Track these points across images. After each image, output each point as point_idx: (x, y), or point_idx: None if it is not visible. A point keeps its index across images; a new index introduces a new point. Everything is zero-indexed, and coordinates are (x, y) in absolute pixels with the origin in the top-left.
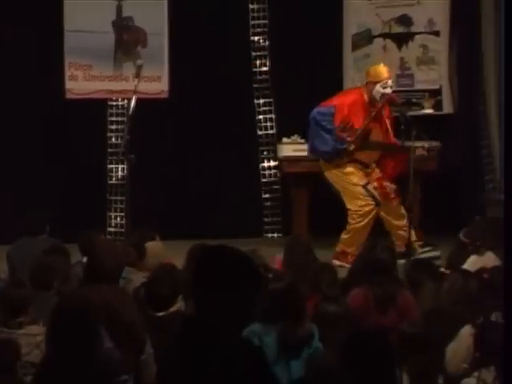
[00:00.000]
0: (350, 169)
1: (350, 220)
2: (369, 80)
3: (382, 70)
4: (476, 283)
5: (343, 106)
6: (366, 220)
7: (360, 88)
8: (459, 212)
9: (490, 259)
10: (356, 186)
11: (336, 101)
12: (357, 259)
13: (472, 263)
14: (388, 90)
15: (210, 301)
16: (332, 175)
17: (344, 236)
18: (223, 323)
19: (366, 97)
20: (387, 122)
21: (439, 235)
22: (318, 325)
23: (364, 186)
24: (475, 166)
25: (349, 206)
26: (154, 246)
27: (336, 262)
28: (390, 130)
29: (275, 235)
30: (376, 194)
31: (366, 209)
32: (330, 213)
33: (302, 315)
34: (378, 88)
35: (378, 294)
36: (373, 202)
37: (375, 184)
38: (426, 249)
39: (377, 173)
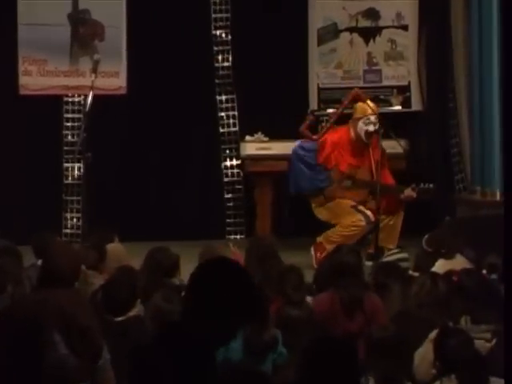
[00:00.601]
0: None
1: (342, 228)
2: (354, 116)
3: (366, 106)
4: (445, 286)
5: (327, 143)
6: (358, 232)
7: (347, 125)
8: (429, 212)
9: (459, 262)
10: (345, 206)
11: (321, 138)
12: (322, 262)
13: (440, 266)
14: (371, 128)
15: (202, 310)
16: (321, 212)
17: (330, 234)
18: (210, 334)
19: (352, 134)
20: (373, 160)
21: (409, 237)
22: (281, 329)
23: (353, 206)
24: (445, 164)
25: (342, 222)
26: (114, 248)
27: (311, 252)
28: (378, 169)
29: (238, 237)
30: (368, 212)
31: (360, 223)
32: (294, 213)
33: (267, 319)
34: (361, 125)
35: (344, 298)
36: (363, 219)
37: (367, 205)
38: (394, 251)
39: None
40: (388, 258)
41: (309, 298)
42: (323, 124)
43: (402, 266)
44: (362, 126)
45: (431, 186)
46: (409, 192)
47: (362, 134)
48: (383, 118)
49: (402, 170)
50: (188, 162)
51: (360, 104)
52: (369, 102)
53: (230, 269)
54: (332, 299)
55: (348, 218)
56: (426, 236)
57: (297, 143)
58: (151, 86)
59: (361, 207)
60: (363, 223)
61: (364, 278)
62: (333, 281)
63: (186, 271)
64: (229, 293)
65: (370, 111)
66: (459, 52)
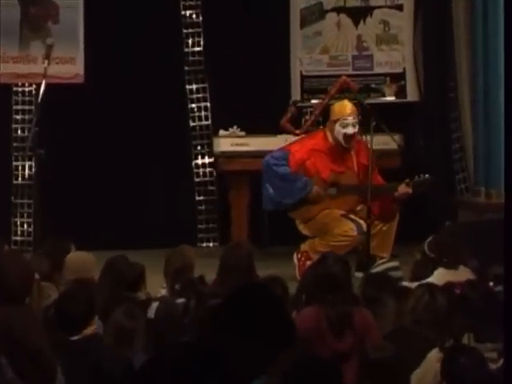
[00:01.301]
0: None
1: (331, 237)
2: (330, 119)
3: (342, 106)
4: (445, 299)
5: (301, 151)
6: (349, 243)
7: (322, 130)
8: (426, 217)
9: (461, 272)
10: (334, 215)
11: (293, 145)
12: (306, 273)
13: (440, 276)
14: (350, 130)
15: (230, 341)
16: (307, 228)
17: (317, 243)
18: (243, 366)
19: (330, 139)
20: (359, 164)
21: (404, 244)
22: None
23: (344, 215)
24: (445, 162)
25: (331, 231)
26: (74, 258)
27: (294, 261)
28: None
29: (211, 244)
30: (361, 221)
31: (351, 233)
32: (275, 218)
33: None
34: (338, 128)
35: (331, 314)
36: (355, 228)
37: (359, 213)
38: (383, 260)
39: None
40: (377, 268)
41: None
42: (307, 117)
43: (394, 277)
44: (339, 129)
45: (427, 176)
46: (403, 188)
47: (341, 138)
48: (375, 109)
49: (396, 169)
50: (154, 159)
51: (336, 104)
52: (346, 101)
53: (266, 296)
54: (317, 315)
55: (338, 227)
56: (429, 240)
57: (267, 157)
58: (112, 73)
59: (352, 215)
60: (355, 233)
61: (353, 291)
62: (318, 295)
63: (152, 283)
64: (265, 323)
65: (347, 111)
66: (461, 35)
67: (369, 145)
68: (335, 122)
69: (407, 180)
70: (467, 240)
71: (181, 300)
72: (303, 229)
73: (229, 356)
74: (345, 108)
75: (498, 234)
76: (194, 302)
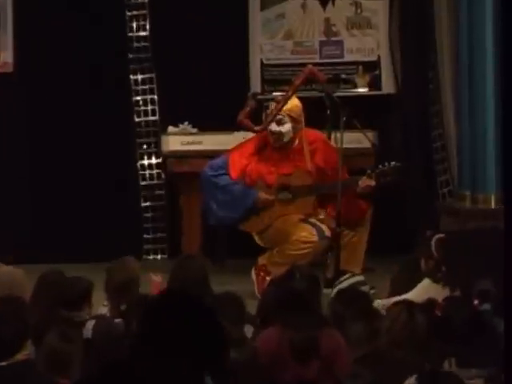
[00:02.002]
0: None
1: (289, 246)
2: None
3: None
4: (425, 320)
5: (241, 156)
6: (309, 250)
7: (264, 130)
8: (404, 225)
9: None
10: (291, 220)
11: (232, 151)
12: (268, 289)
13: (424, 289)
14: (273, 127)
15: (159, 353)
16: (264, 238)
17: (275, 254)
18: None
19: (271, 138)
20: (313, 164)
21: (379, 257)
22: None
23: (302, 220)
24: (424, 163)
25: (290, 238)
26: (1, 274)
27: (252, 277)
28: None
29: (158, 257)
30: (322, 226)
31: (311, 239)
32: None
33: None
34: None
35: (295, 337)
36: (315, 233)
37: (319, 217)
38: (346, 275)
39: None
40: (342, 284)
41: (250, 330)
42: (268, 111)
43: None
44: (270, 127)
45: (392, 163)
46: (365, 181)
47: (271, 137)
48: (345, 103)
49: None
50: (93, 160)
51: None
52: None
53: (192, 304)
54: (280, 338)
55: (296, 233)
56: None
57: (205, 168)
58: (45, 62)
59: (312, 219)
60: (315, 238)
61: (321, 310)
62: (281, 314)
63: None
64: (191, 334)
65: (273, 106)
66: (443, 18)
67: (333, 144)
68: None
69: (369, 171)
70: (449, 251)
71: (119, 320)
72: (259, 240)
73: (152, 375)
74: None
75: (486, 244)
76: (136, 323)
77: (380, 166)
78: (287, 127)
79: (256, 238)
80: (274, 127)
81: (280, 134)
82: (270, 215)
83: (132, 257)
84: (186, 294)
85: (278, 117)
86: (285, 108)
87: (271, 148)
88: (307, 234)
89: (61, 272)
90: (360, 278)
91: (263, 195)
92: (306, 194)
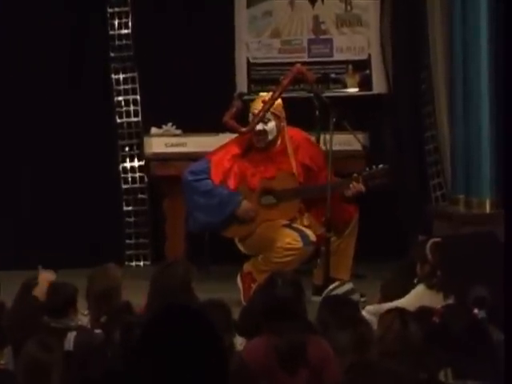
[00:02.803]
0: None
1: (273, 253)
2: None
3: (255, 100)
4: (419, 328)
5: (223, 159)
6: (294, 257)
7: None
8: (396, 230)
9: (439, 294)
10: (275, 226)
11: (214, 153)
12: (253, 297)
13: (418, 296)
14: (259, 126)
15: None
16: (247, 245)
17: (260, 261)
18: None
19: (254, 139)
20: (297, 164)
21: (368, 262)
22: None
23: (286, 225)
24: (417, 165)
25: (274, 246)
26: None
27: (238, 284)
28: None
29: (141, 263)
30: (307, 231)
31: (296, 245)
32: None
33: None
34: (252, 124)
35: (282, 345)
36: (300, 239)
37: (305, 222)
38: (335, 283)
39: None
40: (332, 292)
41: (239, 340)
42: (255, 111)
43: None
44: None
45: (380, 166)
46: (355, 186)
47: (254, 137)
48: (335, 103)
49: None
50: (74, 163)
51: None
52: (261, 93)
53: (196, 320)
54: (266, 347)
55: (280, 239)
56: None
57: (185, 172)
58: (24, 60)
59: (297, 225)
60: (300, 245)
61: (308, 317)
62: (266, 322)
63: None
64: (192, 351)
65: (255, 105)
66: (436, 16)
67: (322, 146)
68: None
69: (355, 174)
70: (443, 256)
71: (99, 331)
72: (243, 247)
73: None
74: (255, 102)
75: (480, 250)
76: (118, 333)
77: (367, 169)
78: (271, 125)
79: (239, 244)
80: (258, 126)
81: (265, 133)
82: (253, 221)
83: (114, 264)
84: (189, 309)
85: (263, 115)
86: (271, 105)
87: (254, 149)
88: (291, 240)
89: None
90: (350, 285)
91: (245, 205)
92: (291, 198)
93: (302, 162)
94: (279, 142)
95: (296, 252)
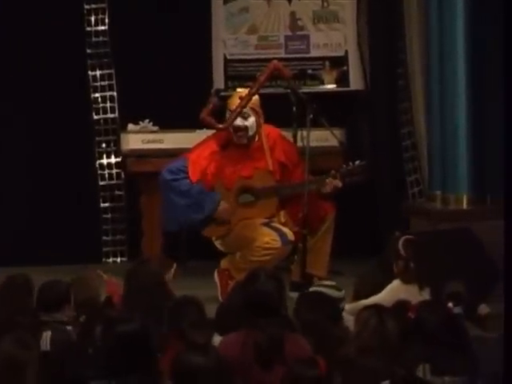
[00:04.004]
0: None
1: (251, 252)
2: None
3: (233, 95)
4: (396, 324)
5: (200, 156)
6: (272, 256)
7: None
8: (373, 227)
9: (415, 289)
10: (253, 225)
11: (192, 151)
12: (231, 292)
13: (394, 291)
14: (238, 121)
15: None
16: (225, 244)
17: (238, 260)
18: None
19: (233, 136)
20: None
21: (346, 258)
22: (177, 382)
23: (265, 224)
24: (394, 162)
25: (252, 245)
26: None
27: (215, 280)
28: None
29: (118, 260)
30: (285, 230)
31: (275, 245)
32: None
33: (158, 368)
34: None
35: (261, 341)
36: (278, 239)
37: (282, 219)
38: (323, 281)
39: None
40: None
41: (217, 339)
42: (232, 107)
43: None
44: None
45: (356, 163)
46: (332, 182)
47: (234, 134)
48: (312, 100)
49: (337, 169)
50: (50, 159)
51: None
52: (239, 89)
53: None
54: (244, 343)
55: (259, 238)
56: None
57: (163, 171)
58: None
59: (275, 224)
60: (279, 244)
61: (287, 314)
62: (246, 318)
63: None
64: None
65: (234, 100)
66: (412, 12)
67: (299, 143)
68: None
69: (333, 171)
70: (419, 253)
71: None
72: (220, 245)
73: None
74: (233, 98)
75: (456, 246)
76: (100, 328)
77: (344, 166)
78: (251, 121)
79: (216, 243)
80: (238, 122)
81: (245, 129)
82: (231, 220)
83: (96, 271)
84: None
85: (244, 111)
86: (249, 100)
87: (231, 146)
88: (270, 239)
89: (25, 275)
90: (333, 283)
91: (223, 205)
92: (269, 196)
93: (278, 160)
94: (257, 138)
95: (274, 251)
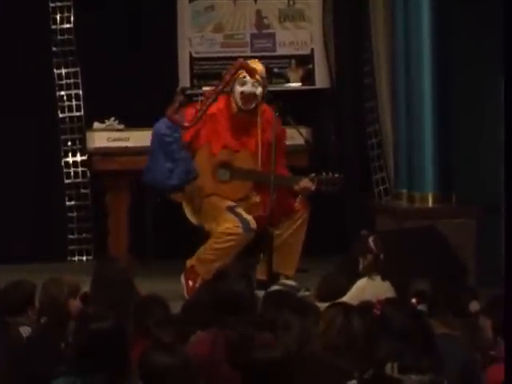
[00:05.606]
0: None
1: (214, 239)
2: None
3: (246, 62)
4: (362, 322)
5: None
6: (234, 243)
7: (229, 94)
8: (339, 225)
9: (382, 286)
10: (219, 207)
11: (192, 108)
12: (200, 289)
13: (360, 289)
14: (247, 88)
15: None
16: (193, 212)
17: (202, 250)
18: None
19: (233, 104)
20: (261, 143)
21: (312, 256)
22: (144, 381)
23: (229, 208)
24: (360, 160)
25: (214, 230)
26: None
27: (182, 281)
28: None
29: (84, 258)
30: (247, 217)
31: (236, 231)
32: (161, 226)
33: (130, 366)
34: (237, 87)
35: (233, 340)
36: (240, 224)
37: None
38: (283, 280)
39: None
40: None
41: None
42: (197, 106)
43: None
44: (237, 89)
45: (336, 175)
46: (306, 183)
47: (238, 99)
48: (277, 98)
49: (303, 168)
50: (15, 158)
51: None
52: (254, 61)
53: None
54: (214, 342)
55: (222, 223)
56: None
57: (160, 121)
58: None
59: (239, 210)
60: (240, 230)
61: (257, 312)
62: (215, 317)
63: None
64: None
65: (248, 66)
66: (378, 11)
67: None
68: (235, 80)
69: (313, 175)
70: (385, 250)
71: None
72: (188, 212)
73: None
74: (247, 64)
75: (422, 244)
76: (74, 324)
77: (324, 174)
78: (260, 90)
79: (186, 209)
80: (247, 88)
81: (255, 96)
82: (203, 191)
83: (68, 275)
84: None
85: (252, 79)
86: (259, 70)
87: (230, 114)
88: (231, 225)
89: None
90: (291, 283)
91: (197, 183)
92: (243, 179)
93: (268, 139)
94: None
95: (236, 237)
